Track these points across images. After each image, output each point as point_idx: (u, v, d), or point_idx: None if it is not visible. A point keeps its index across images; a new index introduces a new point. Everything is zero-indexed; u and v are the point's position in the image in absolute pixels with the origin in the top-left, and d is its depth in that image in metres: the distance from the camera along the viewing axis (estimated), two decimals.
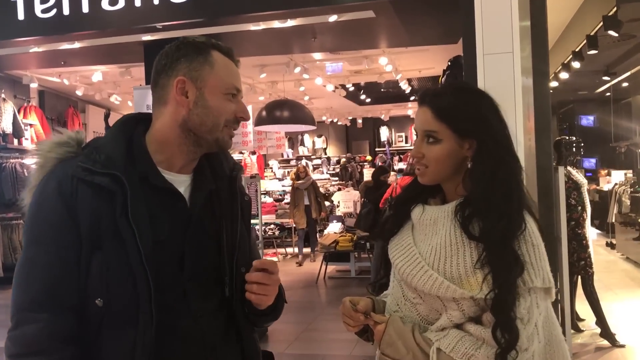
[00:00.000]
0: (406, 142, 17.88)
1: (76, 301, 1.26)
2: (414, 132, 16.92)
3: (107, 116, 8.96)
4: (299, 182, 9.98)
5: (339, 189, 12.99)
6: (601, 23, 5.51)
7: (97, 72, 8.72)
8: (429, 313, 1.41)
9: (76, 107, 11.03)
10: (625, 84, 10.42)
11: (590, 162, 12.44)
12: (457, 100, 1.42)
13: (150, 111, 1.43)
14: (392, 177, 9.52)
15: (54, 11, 4.66)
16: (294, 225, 10.13)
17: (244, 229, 1.47)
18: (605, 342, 4.95)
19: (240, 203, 1.47)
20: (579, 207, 4.76)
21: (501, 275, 1.29)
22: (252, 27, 5.73)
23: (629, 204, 8.60)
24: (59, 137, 1.37)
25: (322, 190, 13.26)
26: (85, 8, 4.61)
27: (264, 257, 1.50)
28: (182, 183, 1.40)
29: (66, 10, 4.65)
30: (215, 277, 1.41)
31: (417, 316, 1.43)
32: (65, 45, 6.10)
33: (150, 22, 4.74)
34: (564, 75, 7.82)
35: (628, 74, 8.94)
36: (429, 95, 1.45)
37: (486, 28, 3.81)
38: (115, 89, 10.18)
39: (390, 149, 17.50)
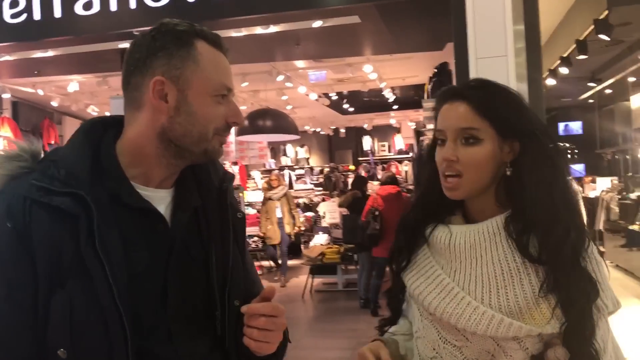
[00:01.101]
0: (389, 151, 17.82)
1: (33, 353, 1.02)
2: (397, 141, 16.92)
3: None
4: (272, 192, 9.19)
5: (323, 199, 12.80)
6: (591, 27, 5.41)
7: (73, 82, 8.43)
8: (478, 356, 1.17)
9: (52, 118, 10.70)
10: (608, 91, 10.40)
11: (577, 169, 12.40)
12: (497, 95, 1.20)
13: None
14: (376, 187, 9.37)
15: (24, 16, 4.41)
16: (265, 240, 9.38)
17: (237, 252, 1.22)
18: None
19: (232, 221, 1.22)
20: None
21: (577, 301, 1.08)
22: (234, 33, 5.52)
23: (617, 210, 8.51)
24: (9, 150, 1.12)
25: (305, 200, 13.09)
26: (57, 13, 4.37)
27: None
28: (161, 200, 1.16)
29: (37, 15, 4.40)
30: (205, 312, 1.17)
31: None
32: (39, 54, 5.85)
33: (127, 27, 4.51)
34: (550, 82, 7.73)
35: (613, 80, 8.88)
36: (465, 88, 1.22)
37: (479, 31, 3.68)
38: (93, 99, 9.89)
39: (374, 158, 17.36)
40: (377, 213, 6.60)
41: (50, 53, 5.77)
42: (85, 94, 9.59)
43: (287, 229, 9.02)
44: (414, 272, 1.28)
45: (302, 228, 9.82)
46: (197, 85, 1.12)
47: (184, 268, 1.15)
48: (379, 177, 14.82)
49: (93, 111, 10.43)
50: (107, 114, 10.06)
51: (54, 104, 9.59)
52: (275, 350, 1.18)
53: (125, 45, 5.62)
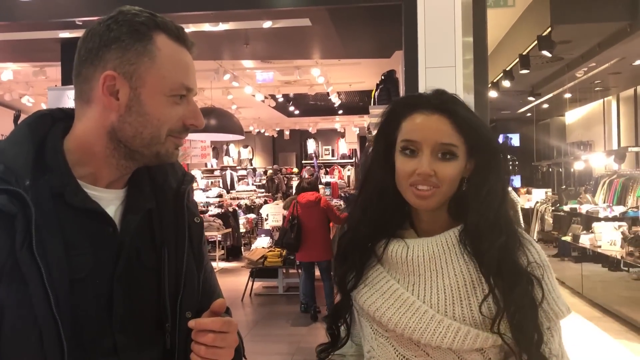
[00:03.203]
0: (332, 156, 17.94)
1: None
2: (340, 145, 16.99)
3: (16, 118, 8.30)
4: None
5: (266, 202, 12.71)
6: (534, 43, 5.58)
7: (8, 70, 8.04)
8: None
9: None
10: (545, 105, 10.78)
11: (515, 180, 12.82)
12: (469, 112, 1.18)
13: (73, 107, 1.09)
14: (321, 191, 9.35)
15: None
16: None
17: (192, 259, 1.15)
18: None
19: (189, 225, 1.14)
20: None
21: (522, 307, 1.09)
22: None
23: (551, 221, 8.82)
24: None
25: (247, 202, 12.96)
26: None
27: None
28: (110, 201, 1.08)
29: None
30: (154, 323, 1.09)
31: None
32: None
33: (69, 16, 4.32)
34: (492, 94, 7.93)
35: (551, 95, 9.21)
36: (442, 101, 1.17)
37: (429, 41, 3.73)
38: (28, 89, 9.46)
39: (318, 161, 17.41)
40: (295, 222, 6.62)
41: None
42: (20, 84, 9.17)
43: None
44: (367, 289, 1.22)
45: None
46: (152, 83, 1.02)
47: (132, 275, 1.06)
48: (323, 180, 14.85)
49: (28, 102, 9.99)
50: (44, 105, 9.68)
51: None
52: None
53: (66, 34, 5.39)
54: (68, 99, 5.18)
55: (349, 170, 17.02)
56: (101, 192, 1.07)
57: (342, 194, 14.31)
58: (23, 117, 8.78)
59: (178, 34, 1.06)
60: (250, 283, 7.92)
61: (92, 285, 1.01)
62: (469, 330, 1.09)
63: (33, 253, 0.93)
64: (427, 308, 1.13)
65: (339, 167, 17.20)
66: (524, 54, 6.05)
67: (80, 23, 4.49)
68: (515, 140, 13.82)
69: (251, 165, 17.80)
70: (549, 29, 5.20)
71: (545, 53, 5.40)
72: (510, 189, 4.53)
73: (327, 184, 14.02)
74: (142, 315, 1.07)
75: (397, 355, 1.17)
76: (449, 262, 1.15)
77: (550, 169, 12.24)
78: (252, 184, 15.91)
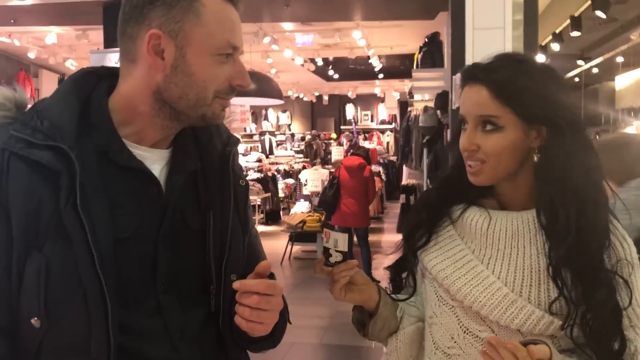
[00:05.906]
0: (372, 121, 17.76)
1: (5, 321, 0.92)
2: (380, 111, 16.80)
3: (61, 81, 8.41)
4: None
5: (304, 167, 12.72)
6: (587, 3, 5.33)
7: (52, 34, 8.13)
8: None
9: (28, 70, 10.37)
10: (595, 70, 10.37)
11: None
12: (521, 76, 1.08)
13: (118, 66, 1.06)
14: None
15: None
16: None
17: (237, 222, 1.12)
18: None
19: (234, 188, 1.11)
20: None
21: (603, 314, 1.01)
22: None
23: None
24: None
25: (286, 167, 12.99)
26: None
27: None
28: (156, 161, 1.05)
29: None
30: (199, 286, 1.07)
31: None
32: (16, 2, 5.61)
33: None
34: (540, 58, 7.66)
35: (601, 59, 8.84)
36: (482, 69, 1.10)
37: (477, 1, 3.58)
38: (71, 53, 9.58)
39: (357, 127, 17.26)
40: (335, 181, 6.69)
41: (28, 1, 5.53)
42: (64, 47, 9.29)
43: None
44: (437, 252, 1.18)
45: None
46: (198, 42, 0.98)
47: (177, 236, 1.04)
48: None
49: (72, 65, 10.12)
50: None
51: (31, 55, 9.26)
52: (270, 332, 1.07)
53: None
54: (110, 62, 5.21)
55: (388, 136, 16.84)
56: (146, 151, 1.04)
57: (381, 160, 14.20)
58: None
59: None
60: (289, 247, 7.99)
61: (136, 245, 0.99)
62: (543, 315, 1.04)
63: (77, 211, 0.91)
64: (501, 285, 1.08)
65: (379, 132, 17.03)
66: (576, 15, 5.79)
67: None
68: None
69: (289, 130, 17.77)
70: None
71: (599, 14, 5.15)
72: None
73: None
74: (186, 276, 1.06)
75: (460, 327, 1.13)
76: (533, 242, 1.09)
77: (598, 136, 11.85)
78: (291, 149, 15.91)
